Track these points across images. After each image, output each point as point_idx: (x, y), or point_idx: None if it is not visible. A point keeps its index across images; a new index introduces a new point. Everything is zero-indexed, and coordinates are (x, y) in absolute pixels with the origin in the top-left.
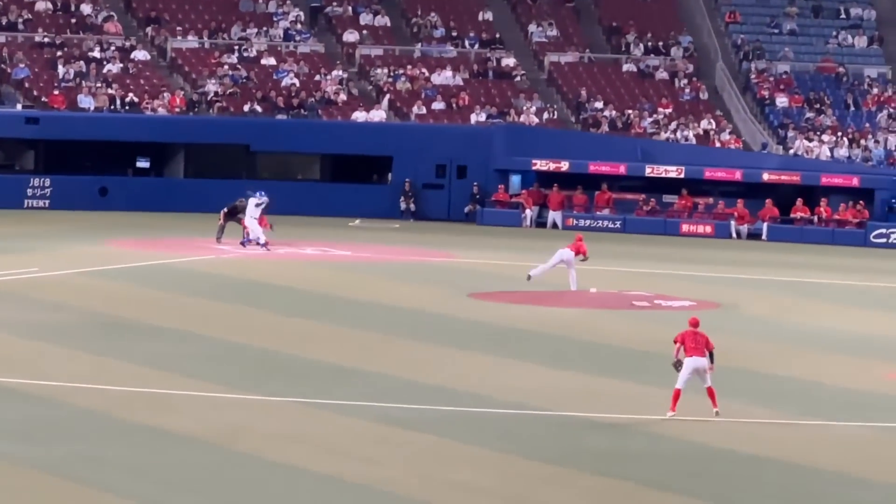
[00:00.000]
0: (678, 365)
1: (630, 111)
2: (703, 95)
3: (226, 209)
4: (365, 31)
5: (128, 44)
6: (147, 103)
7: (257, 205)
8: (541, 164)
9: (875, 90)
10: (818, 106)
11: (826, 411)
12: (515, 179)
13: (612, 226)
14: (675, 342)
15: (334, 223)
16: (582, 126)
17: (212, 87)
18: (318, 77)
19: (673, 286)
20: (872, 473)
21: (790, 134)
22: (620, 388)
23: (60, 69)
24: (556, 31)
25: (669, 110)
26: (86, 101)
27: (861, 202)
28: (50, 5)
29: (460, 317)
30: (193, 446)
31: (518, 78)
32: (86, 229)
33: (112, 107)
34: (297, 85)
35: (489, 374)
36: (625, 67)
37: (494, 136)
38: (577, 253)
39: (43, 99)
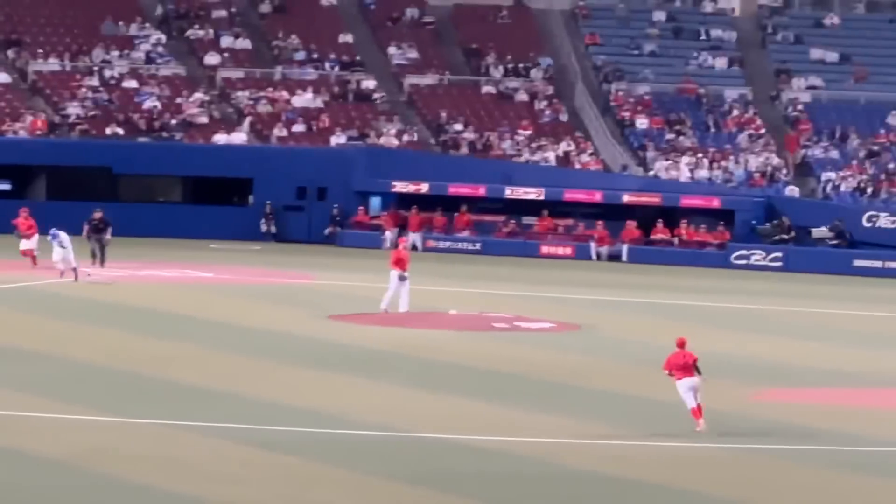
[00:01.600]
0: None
1: (490, 133)
2: (563, 117)
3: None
4: (226, 54)
5: None
6: (8, 126)
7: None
8: (401, 186)
9: (735, 111)
10: (678, 127)
11: (688, 432)
12: (375, 201)
13: (472, 247)
14: (665, 370)
15: (196, 245)
16: (442, 148)
17: (73, 109)
18: (179, 100)
19: (533, 307)
20: (733, 494)
21: (650, 155)
22: (482, 409)
23: None
24: (415, 53)
25: (529, 132)
26: None
27: (721, 223)
28: None
29: (321, 338)
30: (54, 469)
31: (378, 100)
32: None
33: None
34: (159, 107)
35: (351, 395)
36: (484, 89)
37: (354, 159)
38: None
39: None
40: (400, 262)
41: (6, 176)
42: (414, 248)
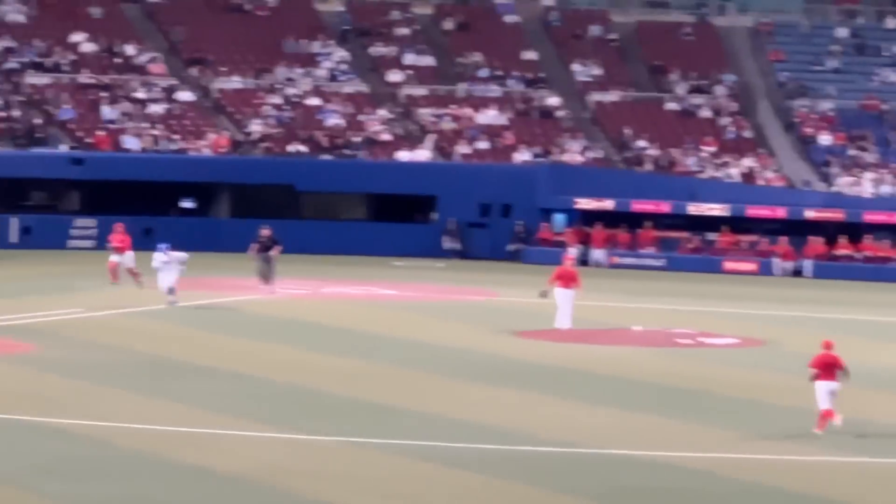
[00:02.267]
0: None
1: (673, 149)
2: (747, 134)
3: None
4: (409, 71)
5: (173, 84)
6: (192, 143)
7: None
8: (584, 203)
9: None
10: (861, 143)
11: (871, 448)
12: (559, 218)
13: (656, 264)
14: (811, 368)
15: (379, 262)
16: (625, 164)
17: (256, 127)
18: (362, 117)
19: (717, 324)
20: None
21: (833, 171)
22: (666, 425)
23: (105, 110)
24: (599, 70)
25: (713, 148)
26: (131, 142)
27: None
28: (95, 46)
29: (505, 355)
30: (238, 486)
31: (562, 117)
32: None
33: (157, 147)
34: (342, 125)
35: (535, 412)
36: (668, 106)
37: (538, 175)
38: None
39: (88, 140)
40: (562, 279)
41: (190, 194)
42: (598, 264)
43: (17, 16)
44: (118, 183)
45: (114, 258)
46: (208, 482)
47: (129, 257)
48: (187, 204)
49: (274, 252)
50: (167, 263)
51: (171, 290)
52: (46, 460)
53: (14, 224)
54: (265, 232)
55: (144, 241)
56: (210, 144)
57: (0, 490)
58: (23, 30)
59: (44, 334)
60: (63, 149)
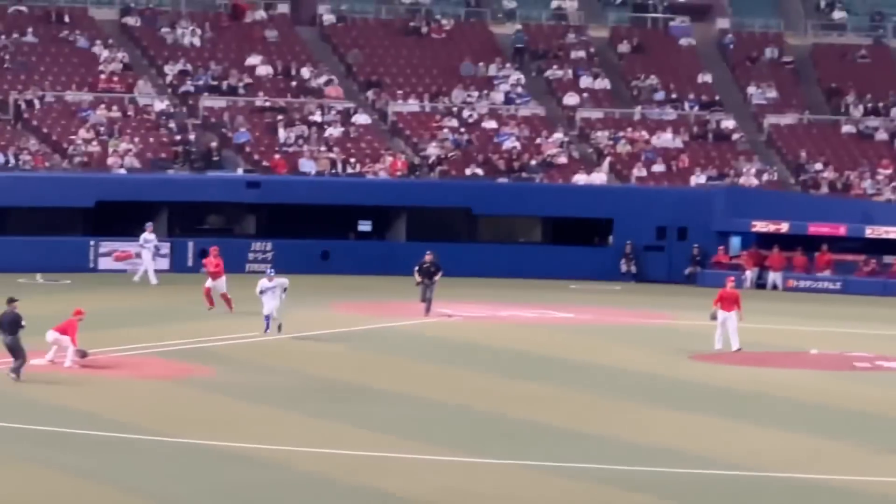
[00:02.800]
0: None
1: (850, 172)
2: None
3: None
4: (585, 94)
5: (349, 107)
6: (369, 167)
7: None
8: (761, 226)
9: None
10: None
11: None
12: (735, 241)
13: (833, 287)
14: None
15: (555, 285)
16: (801, 187)
17: (433, 150)
18: (538, 140)
19: (894, 347)
20: None
21: None
22: (844, 449)
23: (281, 133)
24: (774, 93)
25: (889, 171)
26: (307, 165)
27: None
28: (271, 70)
29: (682, 378)
30: None
31: (737, 140)
32: (308, 293)
33: (333, 171)
34: (518, 148)
35: (713, 435)
36: (844, 128)
37: (715, 198)
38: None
39: (264, 163)
40: (724, 301)
41: (367, 217)
42: (774, 287)
43: (193, 39)
44: (294, 206)
45: (208, 283)
46: None
47: (221, 282)
48: (364, 227)
49: (436, 277)
50: (272, 289)
51: (268, 318)
52: (225, 484)
53: (191, 248)
54: (428, 257)
55: (321, 265)
56: (386, 168)
57: None
58: (198, 53)
59: (222, 358)
60: (239, 172)
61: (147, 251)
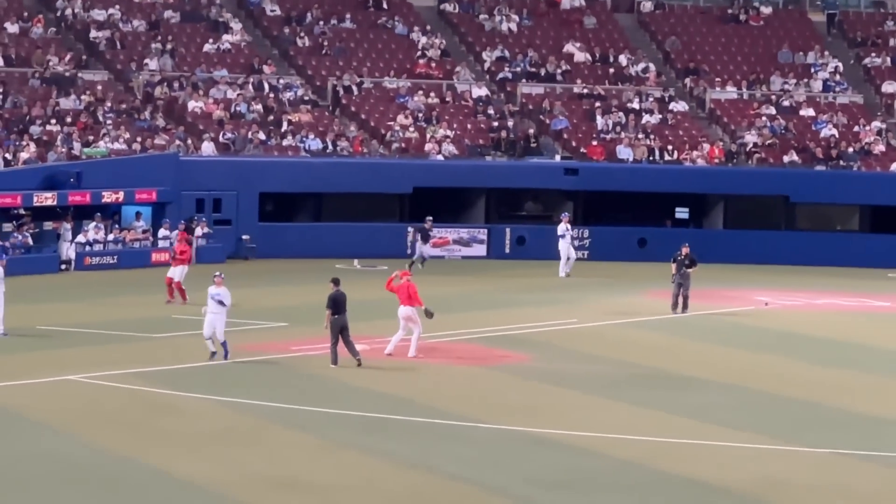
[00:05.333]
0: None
1: None
2: None
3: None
4: None
5: (666, 95)
6: (686, 154)
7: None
8: None
9: None
10: None
11: None
12: None
13: None
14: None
15: (873, 274)
16: None
17: (750, 138)
18: (856, 128)
19: None
20: None
21: None
22: None
23: (599, 120)
24: None
25: None
26: (624, 153)
27: None
28: (588, 56)
29: None
30: (730, 498)
31: None
32: (625, 280)
33: (650, 158)
34: (836, 136)
35: None
36: None
37: None
38: None
39: (581, 150)
40: None
41: (684, 204)
42: None
43: (510, 25)
44: (611, 193)
45: (171, 272)
46: (700, 493)
47: (181, 270)
48: (681, 215)
49: (691, 270)
50: (217, 300)
51: (210, 340)
52: (539, 471)
53: (508, 234)
54: (685, 250)
55: (638, 253)
56: (704, 155)
57: (494, 500)
58: (516, 39)
59: (538, 345)
60: (557, 159)
61: (564, 241)
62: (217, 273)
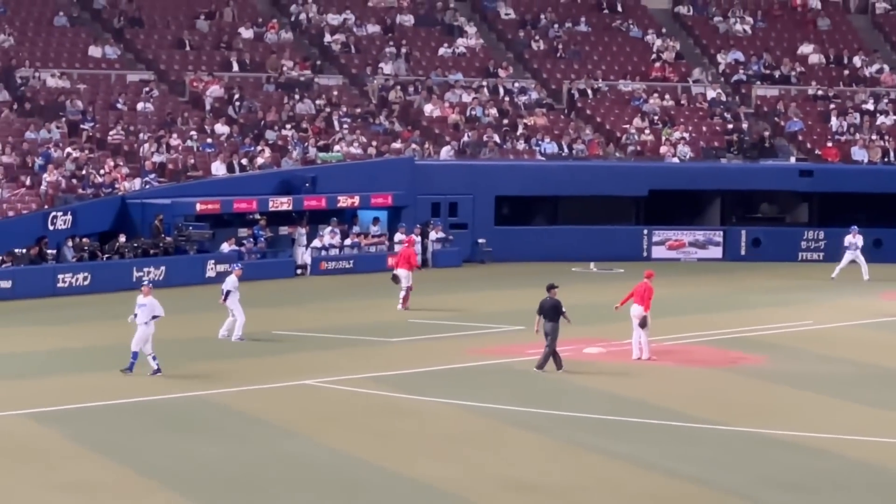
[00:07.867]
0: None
1: None
2: None
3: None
4: None
5: None
6: None
7: None
8: None
9: None
10: None
11: None
12: None
13: None
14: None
15: None
16: None
17: None
18: None
19: None
20: None
21: None
22: None
23: (833, 122)
24: None
25: None
26: (859, 154)
27: None
28: (822, 58)
29: None
30: None
31: None
32: (859, 281)
33: (885, 159)
34: None
35: None
36: None
37: None
38: None
39: (816, 152)
40: None
41: None
42: None
43: (745, 27)
44: (846, 195)
45: None
46: None
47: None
48: None
49: None
50: (143, 309)
51: (135, 354)
52: (774, 472)
53: (743, 236)
54: None
55: (873, 254)
56: None
57: (728, 500)
58: (750, 41)
59: (774, 346)
60: (792, 161)
61: (850, 251)
62: (145, 282)
